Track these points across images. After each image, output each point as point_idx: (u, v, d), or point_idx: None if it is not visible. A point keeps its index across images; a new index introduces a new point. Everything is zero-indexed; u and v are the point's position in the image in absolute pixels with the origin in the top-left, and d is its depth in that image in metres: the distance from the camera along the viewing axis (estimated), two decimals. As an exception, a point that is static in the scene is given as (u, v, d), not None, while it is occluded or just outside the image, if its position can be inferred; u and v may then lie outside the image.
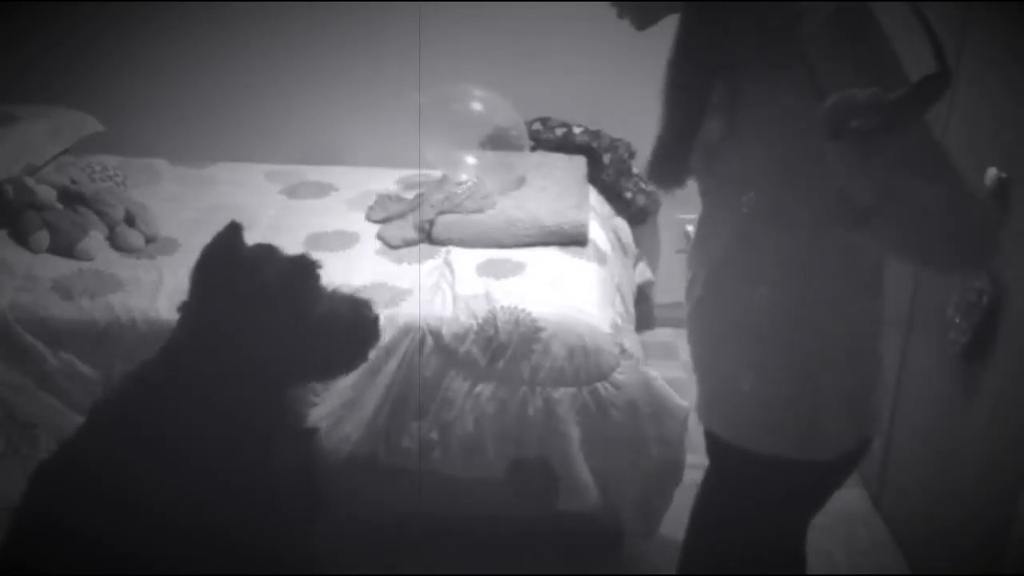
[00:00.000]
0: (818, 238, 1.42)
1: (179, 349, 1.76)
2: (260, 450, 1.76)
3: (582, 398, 2.43)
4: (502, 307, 2.48)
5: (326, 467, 2.25)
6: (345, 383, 2.43)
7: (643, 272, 3.45)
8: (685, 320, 1.65)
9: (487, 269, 2.70)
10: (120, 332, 2.46)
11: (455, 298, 2.55)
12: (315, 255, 2.69)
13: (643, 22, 1.49)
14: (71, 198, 2.88)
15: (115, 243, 2.81)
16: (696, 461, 2.34)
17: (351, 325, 1.82)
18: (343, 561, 2.31)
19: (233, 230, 1.73)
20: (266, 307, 1.72)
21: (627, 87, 3.50)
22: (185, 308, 1.77)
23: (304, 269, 1.80)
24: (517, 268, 2.71)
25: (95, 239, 2.77)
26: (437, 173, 3.20)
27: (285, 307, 1.73)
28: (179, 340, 1.77)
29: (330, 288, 1.84)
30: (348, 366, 1.94)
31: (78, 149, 3.30)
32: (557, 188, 3.05)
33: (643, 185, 3.51)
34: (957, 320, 2.23)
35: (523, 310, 2.47)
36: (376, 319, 1.86)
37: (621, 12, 1.50)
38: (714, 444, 1.64)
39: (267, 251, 1.79)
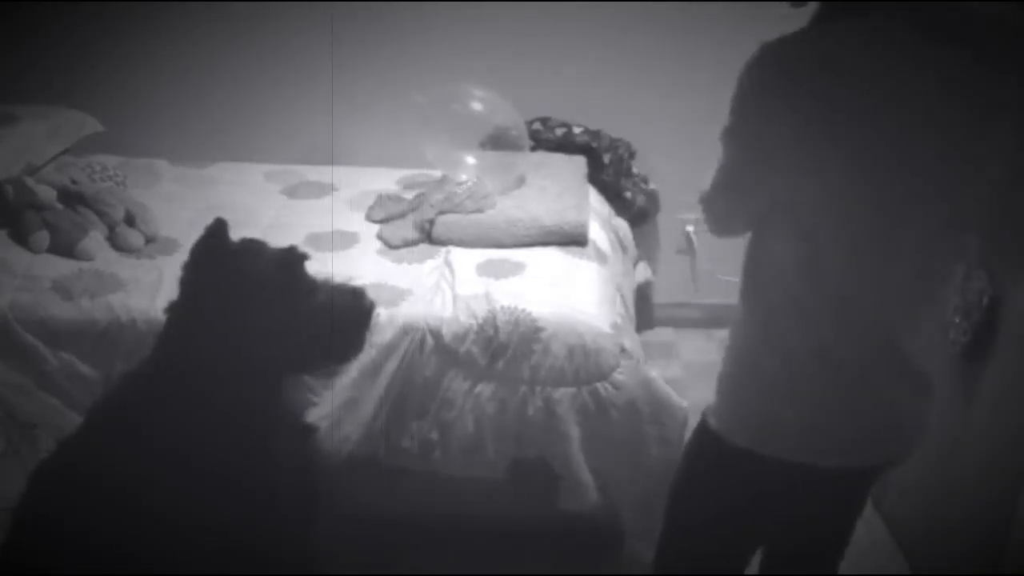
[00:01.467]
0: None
1: (174, 348, 1.76)
2: (258, 448, 1.76)
3: (582, 398, 2.43)
4: (502, 307, 2.48)
5: (326, 467, 2.25)
6: (345, 383, 2.43)
7: (643, 272, 3.45)
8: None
9: (487, 269, 2.70)
10: (120, 332, 2.46)
11: (455, 298, 2.55)
12: (315, 255, 2.70)
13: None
14: (71, 198, 2.88)
15: (115, 243, 2.81)
16: (696, 461, 2.34)
17: (344, 316, 1.82)
18: (343, 561, 2.31)
19: (219, 226, 1.73)
20: (258, 300, 1.72)
21: (627, 87, 3.51)
22: (175, 307, 1.77)
23: (294, 261, 1.80)
24: (517, 268, 2.71)
25: (95, 239, 2.76)
26: (437, 173, 3.20)
27: (278, 299, 1.73)
28: (173, 339, 1.77)
29: (321, 280, 1.84)
30: (345, 355, 1.94)
31: (78, 149, 3.30)
32: (557, 188, 3.05)
33: (643, 185, 3.51)
34: (957, 320, 2.23)
35: (523, 310, 2.47)
36: (371, 306, 1.86)
37: None
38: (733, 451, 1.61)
39: (256, 245, 1.79)
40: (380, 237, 2.90)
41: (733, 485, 1.61)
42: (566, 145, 3.41)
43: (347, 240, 2.90)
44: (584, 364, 2.43)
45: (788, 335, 1.49)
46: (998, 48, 1.33)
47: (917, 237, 1.41)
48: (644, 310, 3.36)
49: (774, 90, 1.33)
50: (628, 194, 3.46)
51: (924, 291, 1.48)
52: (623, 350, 2.46)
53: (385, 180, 3.32)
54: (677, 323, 3.68)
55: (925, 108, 1.32)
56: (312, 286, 1.80)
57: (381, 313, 2.47)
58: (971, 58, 1.31)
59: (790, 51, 1.33)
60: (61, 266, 2.68)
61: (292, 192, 3.25)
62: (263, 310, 1.72)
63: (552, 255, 2.79)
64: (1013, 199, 1.43)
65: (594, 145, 3.42)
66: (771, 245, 1.48)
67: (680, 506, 1.73)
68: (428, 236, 2.88)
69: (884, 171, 1.34)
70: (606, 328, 2.48)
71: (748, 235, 1.53)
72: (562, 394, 2.43)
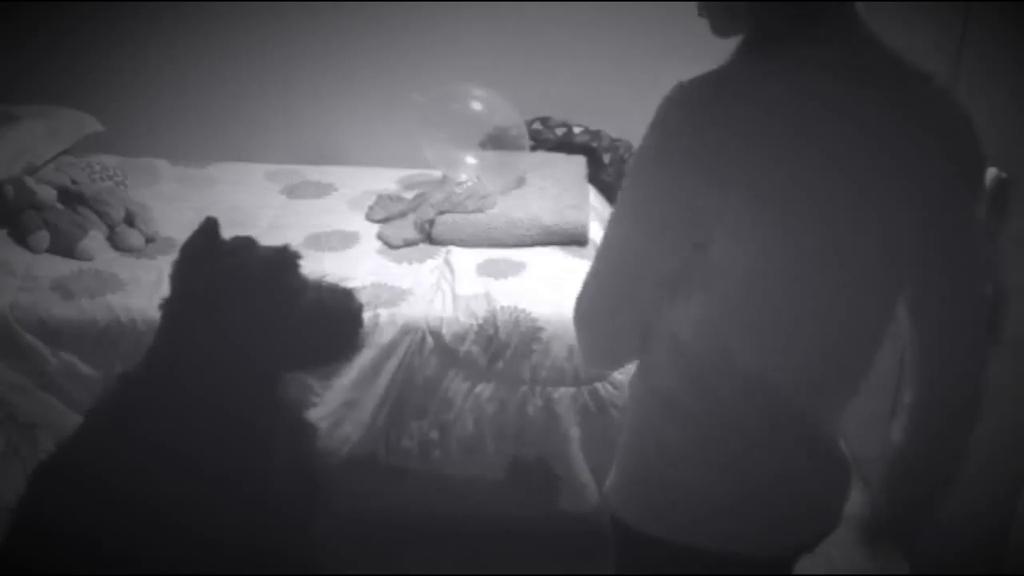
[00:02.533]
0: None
1: (165, 346, 1.76)
2: (257, 448, 1.76)
3: (582, 398, 2.43)
4: (502, 307, 2.49)
5: (326, 466, 2.25)
6: (345, 383, 2.43)
7: (643, 272, 3.45)
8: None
9: (487, 269, 2.70)
10: (120, 332, 2.46)
11: (455, 298, 2.55)
12: (314, 254, 2.70)
13: (725, 29, 1.29)
14: (71, 198, 2.88)
15: (115, 243, 2.81)
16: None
17: (334, 315, 1.81)
18: (343, 560, 2.31)
19: (210, 225, 1.73)
20: (246, 299, 1.72)
21: (627, 87, 3.50)
22: (167, 305, 1.77)
23: (286, 261, 1.79)
24: (517, 268, 2.71)
25: (95, 239, 2.77)
26: (437, 173, 3.20)
27: (267, 298, 1.73)
28: (164, 338, 1.77)
29: (312, 279, 1.84)
30: (334, 356, 1.93)
31: (78, 149, 3.30)
32: (557, 188, 3.05)
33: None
34: (957, 320, 2.23)
35: (523, 310, 2.48)
36: (360, 307, 1.85)
37: (701, 11, 1.33)
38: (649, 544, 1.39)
39: (247, 244, 1.79)
40: (380, 237, 2.90)
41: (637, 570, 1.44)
42: (566, 145, 3.41)
43: (347, 240, 2.90)
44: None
45: (684, 398, 1.33)
46: (912, 97, 1.24)
47: (830, 296, 1.27)
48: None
49: (690, 131, 1.22)
50: (628, 194, 3.46)
51: (836, 365, 1.33)
52: (623, 350, 2.46)
53: (385, 180, 3.32)
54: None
55: (836, 156, 1.20)
56: (301, 286, 1.80)
57: (381, 313, 2.48)
58: (885, 104, 1.21)
59: (706, 91, 1.22)
60: (61, 266, 2.68)
61: (292, 192, 3.25)
62: (251, 309, 1.72)
63: (552, 255, 2.79)
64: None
65: (594, 145, 3.42)
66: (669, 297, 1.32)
67: None
68: (428, 236, 2.88)
69: (795, 218, 1.21)
70: (606, 328, 2.48)
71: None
72: (562, 394, 2.43)
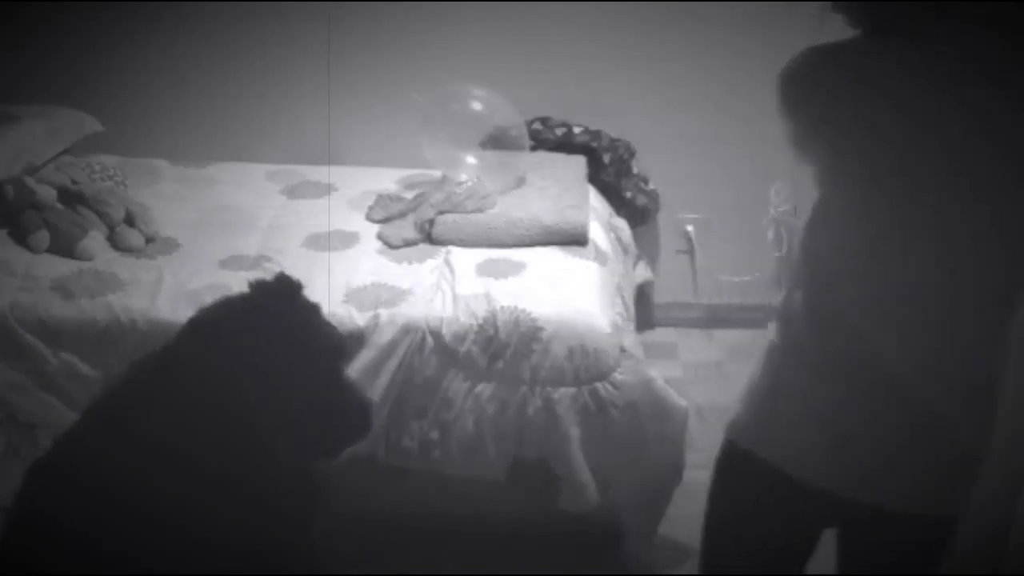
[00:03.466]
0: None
1: (177, 354, 1.76)
2: (257, 447, 1.76)
3: (582, 398, 2.43)
4: (502, 307, 2.49)
5: (326, 467, 2.25)
6: (345, 383, 2.43)
7: (643, 272, 3.45)
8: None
9: (487, 269, 2.70)
10: (120, 332, 2.47)
11: (455, 298, 2.55)
12: (314, 255, 2.69)
13: (862, 22, 1.37)
14: (71, 198, 2.88)
15: (115, 243, 2.81)
16: (696, 461, 2.33)
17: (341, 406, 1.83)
18: (343, 560, 2.31)
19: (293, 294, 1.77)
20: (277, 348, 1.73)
21: (627, 87, 3.51)
22: (196, 321, 1.78)
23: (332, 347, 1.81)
24: (517, 268, 2.71)
25: (95, 239, 2.77)
26: (437, 173, 3.20)
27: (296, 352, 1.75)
28: (177, 348, 1.77)
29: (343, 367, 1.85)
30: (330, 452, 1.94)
31: (78, 149, 3.30)
32: (557, 188, 3.05)
33: (643, 185, 3.51)
34: (957, 320, 2.23)
35: (523, 310, 2.48)
36: (367, 406, 1.89)
37: (836, 8, 1.39)
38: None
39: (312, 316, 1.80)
40: (380, 237, 2.90)
41: (765, 506, 1.55)
42: (566, 145, 3.41)
43: (347, 240, 2.90)
44: (584, 364, 2.43)
45: (807, 344, 1.45)
46: None
47: (932, 270, 1.35)
48: (644, 310, 3.36)
49: (827, 93, 1.34)
50: (628, 194, 3.46)
51: (943, 343, 1.40)
52: (623, 350, 2.46)
53: (385, 180, 3.32)
54: (677, 323, 3.68)
55: (955, 136, 1.30)
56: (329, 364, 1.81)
57: (381, 313, 2.48)
58: (1007, 96, 1.29)
59: (845, 56, 1.34)
60: (61, 266, 2.68)
61: (292, 192, 3.25)
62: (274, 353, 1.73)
63: (552, 255, 2.79)
64: None
65: (594, 145, 3.42)
66: (815, 257, 1.43)
67: (716, 531, 1.65)
68: (428, 236, 2.88)
69: (909, 190, 1.32)
70: (606, 328, 2.48)
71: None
72: (562, 394, 2.43)
